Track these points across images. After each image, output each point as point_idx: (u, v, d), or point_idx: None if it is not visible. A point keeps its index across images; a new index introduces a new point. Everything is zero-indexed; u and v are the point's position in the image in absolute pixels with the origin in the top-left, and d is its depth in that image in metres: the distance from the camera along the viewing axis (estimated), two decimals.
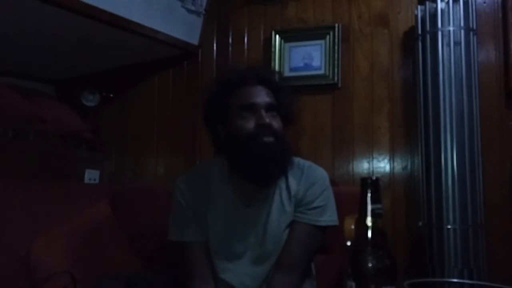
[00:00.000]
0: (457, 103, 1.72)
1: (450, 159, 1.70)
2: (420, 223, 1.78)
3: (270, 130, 1.13)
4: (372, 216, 0.75)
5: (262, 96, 1.16)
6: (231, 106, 1.17)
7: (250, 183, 1.18)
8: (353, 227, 1.29)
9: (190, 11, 2.16)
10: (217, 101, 1.19)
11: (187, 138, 2.29)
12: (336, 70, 2.07)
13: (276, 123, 1.16)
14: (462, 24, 1.75)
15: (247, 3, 2.28)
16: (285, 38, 2.19)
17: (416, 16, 1.86)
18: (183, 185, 1.26)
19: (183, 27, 2.18)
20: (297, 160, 1.24)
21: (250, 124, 1.13)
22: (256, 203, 1.20)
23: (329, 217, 1.19)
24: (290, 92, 1.25)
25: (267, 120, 1.13)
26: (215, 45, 2.33)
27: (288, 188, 1.20)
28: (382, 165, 2.00)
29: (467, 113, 1.72)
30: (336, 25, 2.10)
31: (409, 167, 1.98)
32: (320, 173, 1.23)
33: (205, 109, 1.23)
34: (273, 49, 2.18)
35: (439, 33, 1.76)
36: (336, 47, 2.08)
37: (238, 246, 1.20)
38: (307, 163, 1.25)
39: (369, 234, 0.75)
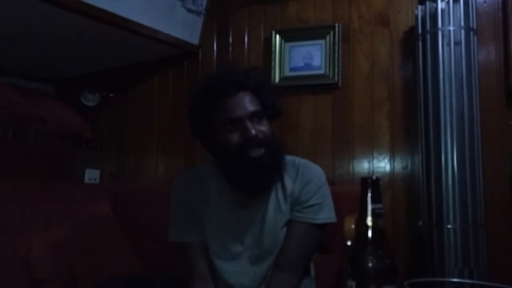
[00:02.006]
0: (457, 103, 1.72)
1: (450, 159, 1.70)
2: (420, 223, 1.78)
3: (258, 141, 1.11)
4: (372, 216, 0.75)
5: (244, 106, 1.13)
6: (215, 120, 1.15)
7: (245, 194, 1.18)
8: (353, 227, 1.29)
9: (190, 11, 2.16)
10: (200, 117, 1.17)
11: (187, 138, 2.26)
12: (336, 70, 2.07)
13: (264, 128, 1.14)
14: (462, 24, 1.75)
15: (247, 3, 2.28)
16: (285, 38, 2.19)
17: (416, 16, 1.86)
18: (180, 186, 1.26)
19: (183, 27, 2.17)
20: (292, 158, 1.24)
21: (236, 138, 1.11)
22: (252, 203, 1.20)
23: (326, 215, 1.19)
24: (273, 88, 1.24)
25: (253, 132, 1.10)
26: (215, 45, 2.33)
27: (283, 187, 1.20)
28: (382, 165, 2.00)
29: (467, 113, 1.72)
30: (336, 25, 2.10)
31: (409, 167, 1.98)
32: (316, 171, 1.23)
33: (190, 123, 1.22)
34: (273, 49, 2.18)
35: (439, 33, 1.76)
36: (336, 47, 2.08)
37: (236, 247, 1.20)
38: (302, 161, 1.24)
39: (369, 234, 0.75)
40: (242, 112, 1.12)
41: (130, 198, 1.92)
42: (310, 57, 2.13)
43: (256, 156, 1.11)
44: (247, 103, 1.14)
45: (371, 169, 2.01)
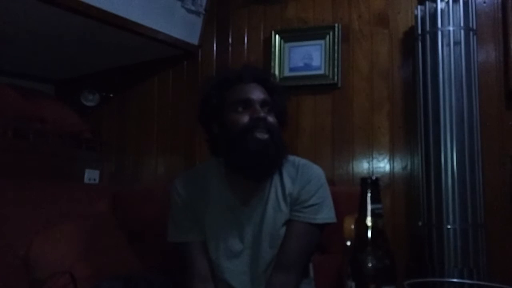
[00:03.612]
0: (457, 103, 1.72)
1: (450, 159, 1.70)
2: (420, 223, 1.78)
3: (265, 124, 1.14)
4: (372, 216, 0.75)
5: (257, 93, 1.18)
6: (226, 101, 1.18)
7: (245, 178, 1.18)
8: (353, 227, 1.29)
9: (190, 11, 2.16)
10: (213, 98, 1.20)
11: (187, 138, 2.29)
12: (336, 70, 2.07)
13: (271, 118, 1.17)
14: (462, 24, 1.75)
15: (247, 3, 2.28)
16: (285, 38, 2.19)
17: (416, 16, 1.86)
18: (180, 186, 1.26)
19: (183, 27, 2.18)
20: (292, 158, 1.25)
21: (245, 118, 1.14)
22: (252, 202, 1.20)
23: (326, 215, 1.19)
24: (284, 93, 1.27)
25: (262, 114, 1.14)
26: (215, 45, 2.33)
27: (283, 186, 1.21)
28: (382, 165, 2.00)
29: (467, 113, 1.72)
30: (336, 25, 2.10)
31: (409, 167, 1.98)
32: (315, 171, 1.23)
33: (200, 107, 1.24)
34: (273, 49, 2.18)
35: (439, 33, 1.76)
36: (336, 47, 2.08)
37: (236, 246, 1.20)
38: (302, 161, 1.25)
39: (369, 234, 0.75)
40: (255, 96, 1.17)
41: (130, 198, 1.92)
42: (309, 57, 2.13)
43: (261, 138, 1.13)
44: (260, 92, 1.19)
45: (371, 169, 2.01)
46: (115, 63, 2.40)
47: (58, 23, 1.78)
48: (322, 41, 2.12)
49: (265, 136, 1.13)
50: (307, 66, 2.13)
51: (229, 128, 1.16)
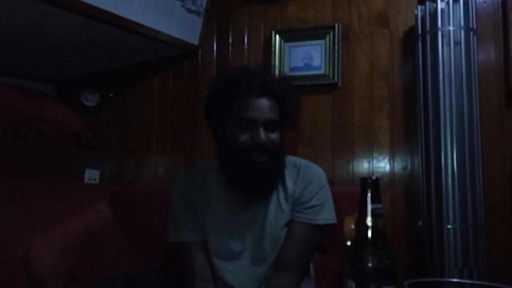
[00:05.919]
0: (457, 103, 1.72)
1: (450, 159, 1.70)
2: (420, 223, 1.78)
3: (265, 148, 1.13)
4: (372, 216, 0.75)
5: (263, 111, 1.14)
6: (231, 113, 1.16)
7: (240, 195, 1.19)
8: (353, 227, 1.29)
9: (190, 11, 2.16)
10: (219, 105, 1.18)
11: (187, 138, 2.29)
12: (336, 70, 2.07)
13: (274, 136, 1.15)
14: (462, 24, 1.75)
15: (247, 3, 2.28)
16: (285, 38, 2.19)
17: (416, 16, 1.86)
18: (181, 186, 1.26)
19: (183, 27, 2.17)
20: (294, 159, 1.25)
21: (246, 138, 1.13)
22: (253, 203, 1.20)
23: (327, 216, 1.20)
24: (296, 101, 1.23)
25: (263, 138, 1.12)
26: (215, 45, 2.33)
27: (285, 187, 1.21)
28: (382, 165, 2.00)
29: (467, 113, 1.72)
30: (336, 25, 2.10)
31: (409, 167, 1.98)
32: (317, 172, 1.24)
33: (207, 106, 1.23)
34: (273, 49, 2.18)
35: (439, 33, 1.76)
36: (336, 47, 2.08)
37: (236, 246, 1.21)
38: (303, 162, 1.25)
39: (369, 234, 0.75)
40: (260, 116, 1.13)
41: (130, 198, 1.92)
42: (310, 57, 2.13)
43: (258, 160, 1.12)
44: (267, 109, 1.15)
45: (371, 169, 2.01)
46: (115, 63, 2.40)
47: (58, 23, 1.78)
48: (322, 41, 2.12)
49: (263, 158, 1.12)
50: (307, 66, 2.13)
51: (230, 141, 1.15)
